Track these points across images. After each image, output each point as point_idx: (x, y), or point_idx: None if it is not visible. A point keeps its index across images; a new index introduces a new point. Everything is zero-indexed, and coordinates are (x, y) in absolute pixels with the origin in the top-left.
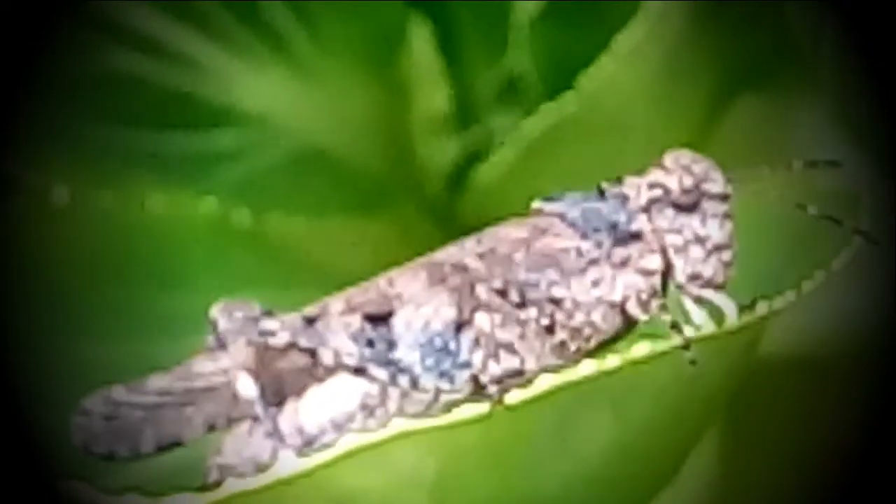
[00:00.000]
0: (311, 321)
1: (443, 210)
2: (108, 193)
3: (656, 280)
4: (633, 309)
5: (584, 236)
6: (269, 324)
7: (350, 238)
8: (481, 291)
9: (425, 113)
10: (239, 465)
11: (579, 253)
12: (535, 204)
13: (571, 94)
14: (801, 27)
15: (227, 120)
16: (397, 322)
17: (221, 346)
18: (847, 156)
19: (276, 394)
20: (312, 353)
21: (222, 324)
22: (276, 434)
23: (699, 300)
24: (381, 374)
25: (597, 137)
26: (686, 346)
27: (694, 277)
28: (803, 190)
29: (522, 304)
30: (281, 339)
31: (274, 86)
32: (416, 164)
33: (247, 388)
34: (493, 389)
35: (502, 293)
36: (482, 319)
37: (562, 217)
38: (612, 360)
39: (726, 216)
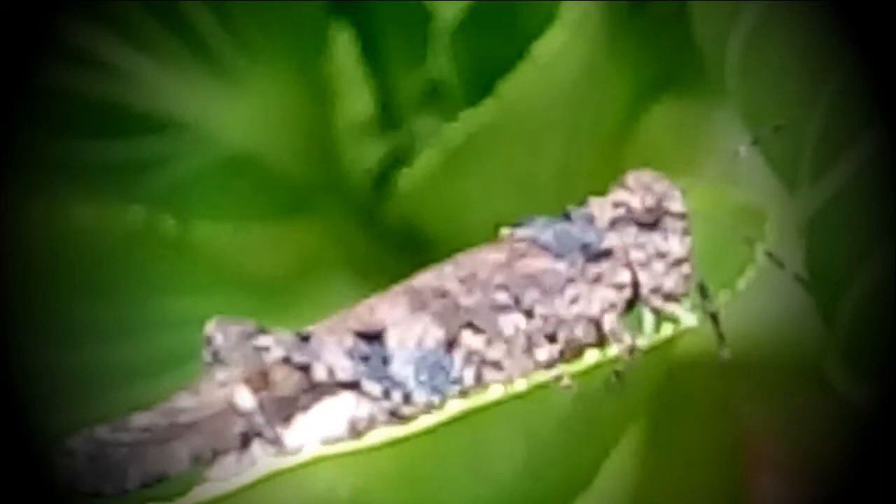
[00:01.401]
0: (304, 338)
1: (368, 213)
2: (33, 203)
3: (627, 293)
4: (607, 323)
5: (559, 257)
6: (263, 340)
7: (276, 243)
8: (466, 314)
9: (349, 117)
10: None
11: (557, 273)
12: (504, 230)
13: (491, 101)
14: (708, 37)
15: (152, 127)
16: (390, 339)
17: (217, 361)
18: (759, 169)
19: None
20: (305, 369)
21: (218, 340)
22: (278, 441)
23: (658, 312)
24: (375, 388)
25: (517, 143)
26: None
27: (656, 290)
28: (716, 203)
29: (508, 325)
30: (275, 354)
31: (199, 92)
32: (340, 168)
33: (244, 399)
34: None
35: (487, 314)
36: (470, 339)
37: (534, 241)
38: (520, 384)
39: (685, 232)
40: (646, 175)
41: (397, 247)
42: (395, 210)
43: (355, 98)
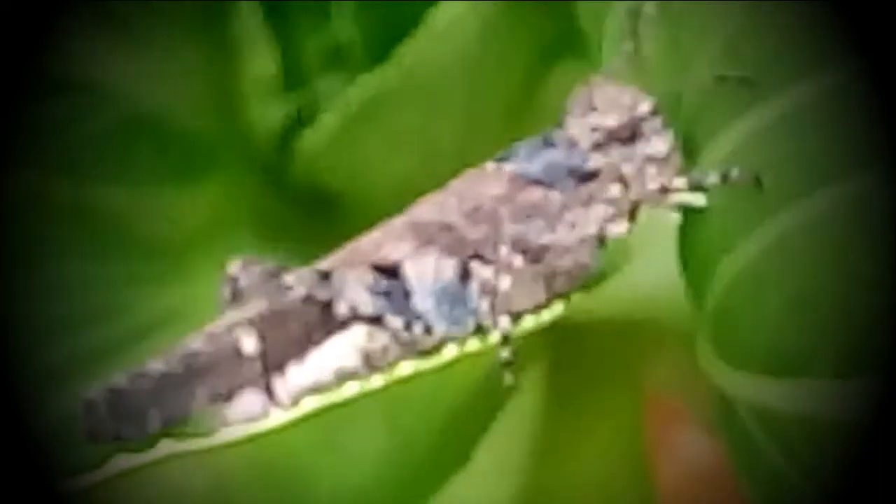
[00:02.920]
0: (325, 275)
1: (273, 172)
2: None
3: (622, 204)
4: (610, 231)
5: (551, 186)
6: (287, 278)
7: (178, 204)
8: (472, 246)
9: (253, 77)
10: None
11: (554, 202)
12: (490, 164)
13: (389, 66)
14: (588, 14)
15: (52, 87)
16: (409, 273)
17: (237, 299)
18: None
19: (279, 358)
20: (327, 305)
21: (242, 280)
22: (268, 392)
23: (670, 207)
24: (397, 322)
25: (416, 107)
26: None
27: (658, 191)
28: None
29: (515, 255)
30: (298, 292)
31: (101, 52)
32: (244, 128)
33: (248, 345)
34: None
35: (495, 246)
36: (481, 270)
37: (524, 176)
38: (375, 380)
39: (664, 125)
40: (609, 89)
41: (304, 205)
42: (300, 171)
43: (259, 57)
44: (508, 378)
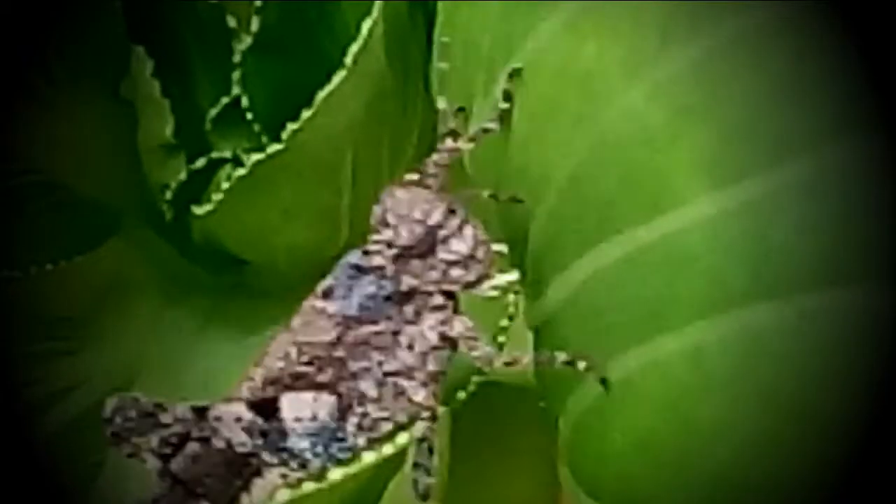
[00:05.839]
0: (201, 413)
1: (175, 233)
2: None
3: (450, 306)
4: (453, 333)
5: (375, 321)
6: (162, 417)
7: (81, 272)
8: (329, 387)
9: (149, 139)
10: None
11: (382, 332)
12: (319, 303)
13: (281, 143)
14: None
15: None
16: (285, 414)
17: (117, 443)
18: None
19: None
20: (206, 440)
21: (117, 422)
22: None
23: (490, 297)
24: (273, 459)
25: (306, 177)
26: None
27: (471, 285)
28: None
29: (369, 388)
30: (174, 430)
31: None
32: (145, 191)
33: (153, 463)
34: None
35: (348, 384)
36: (350, 409)
37: (348, 318)
38: None
39: (463, 222)
40: (399, 201)
41: (206, 264)
42: (199, 232)
43: (155, 121)
44: None
